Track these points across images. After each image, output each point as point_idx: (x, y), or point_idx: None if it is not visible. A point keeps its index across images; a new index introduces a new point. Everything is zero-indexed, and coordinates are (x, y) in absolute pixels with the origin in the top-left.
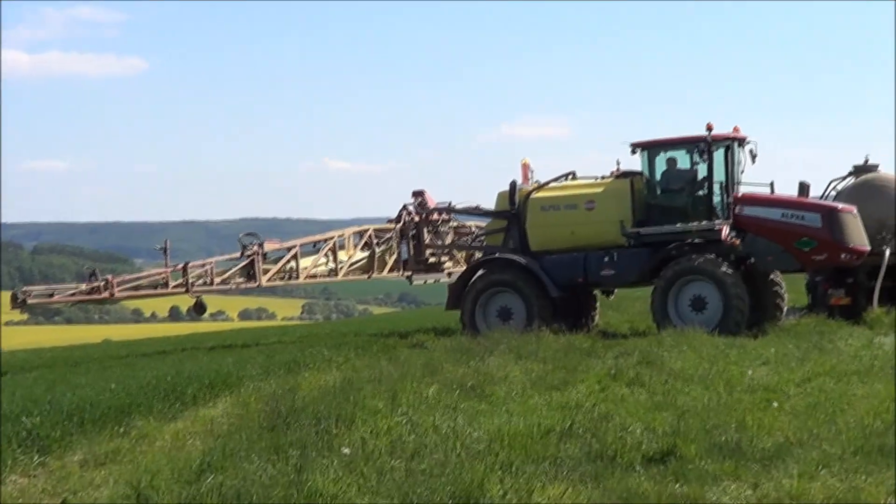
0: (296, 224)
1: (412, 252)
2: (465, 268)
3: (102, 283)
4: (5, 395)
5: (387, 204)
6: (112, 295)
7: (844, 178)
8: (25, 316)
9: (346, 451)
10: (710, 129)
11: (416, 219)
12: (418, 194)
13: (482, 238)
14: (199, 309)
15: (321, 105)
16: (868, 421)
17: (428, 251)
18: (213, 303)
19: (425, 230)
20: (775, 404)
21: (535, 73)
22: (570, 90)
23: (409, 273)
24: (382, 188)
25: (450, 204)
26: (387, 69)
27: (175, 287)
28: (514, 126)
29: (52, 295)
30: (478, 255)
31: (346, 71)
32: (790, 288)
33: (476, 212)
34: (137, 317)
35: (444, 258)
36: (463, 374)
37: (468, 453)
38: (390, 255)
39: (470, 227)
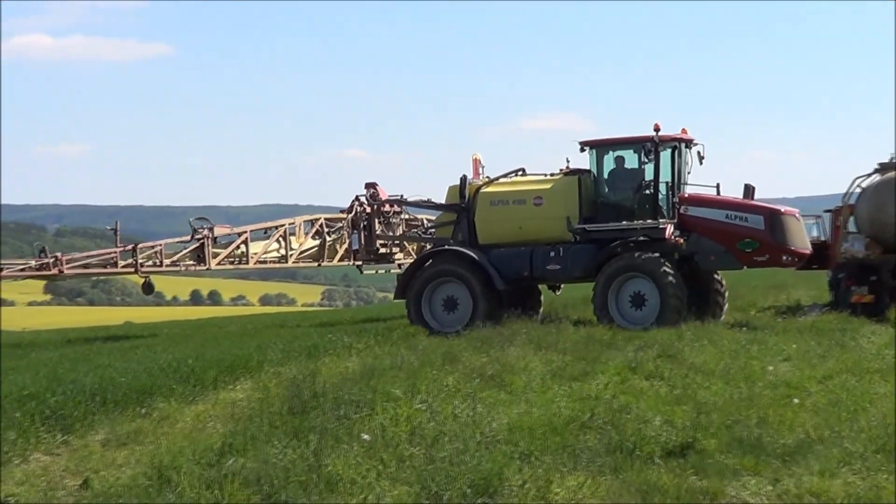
0: (316, 211)
1: (363, 242)
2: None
3: (52, 260)
4: (29, 374)
5: (398, 192)
6: (61, 272)
7: (869, 175)
8: (49, 296)
9: (366, 437)
10: (657, 129)
11: (368, 210)
12: (371, 186)
13: (432, 230)
14: (147, 289)
15: (341, 93)
16: (890, 419)
17: (379, 242)
18: (234, 287)
19: (377, 221)
20: (796, 400)
21: (554, 65)
22: (588, 84)
23: (360, 262)
24: (397, 177)
25: (401, 196)
26: (403, 60)
27: (124, 267)
28: (532, 119)
29: (0, 269)
30: (428, 246)
31: (367, 60)
32: (814, 284)
33: (427, 205)
34: (159, 299)
35: (395, 249)
36: (483, 363)
37: (487, 442)
38: (341, 245)
39: (421, 220)
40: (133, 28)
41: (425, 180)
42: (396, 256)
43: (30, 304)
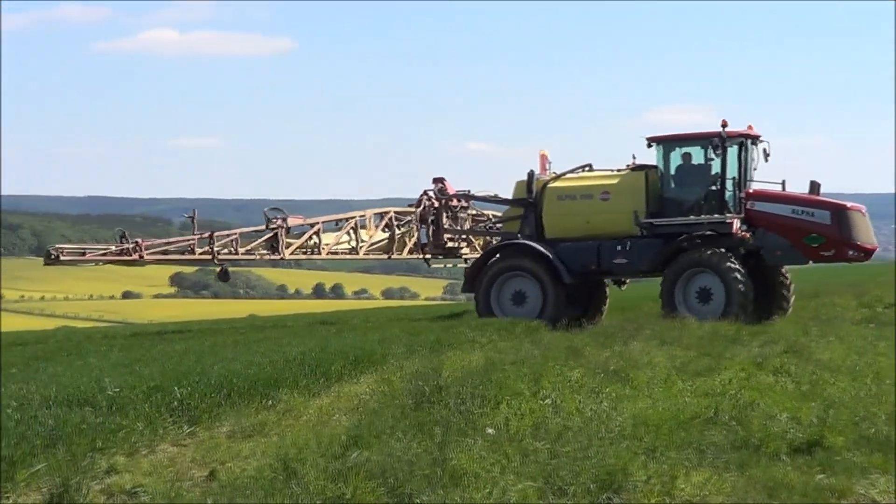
0: None
1: (431, 236)
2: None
3: (132, 246)
4: (156, 366)
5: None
6: (141, 257)
7: None
8: (175, 289)
9: (490, 431)
10: (724, 125)
11: (436, 204)
12: (438, 181)
13: (498, 225)
14: (223, 276)
15: (464, 87)
16: None
17: (446, 236)
18: (356, 281)
19: (444, 215)
20: None
21: (682, 59)
22: (719, 77)
23: (428, 256)
24: (519, 170)
25: (468, 191)
26: (528, 52)
27: (201, 254)
28: (660, 112)
29: (83, 253)
30: (494, 240)
31: (489, 53)
32: None
33: (494, 199)
34: (282, 293)
35: (461, 244)
36: (606, 358)
37: (612, 437)
38: (409, 238)
39: (487, 215)
40: (259, 23)
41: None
42: (463, 251)
43: (155, 296)
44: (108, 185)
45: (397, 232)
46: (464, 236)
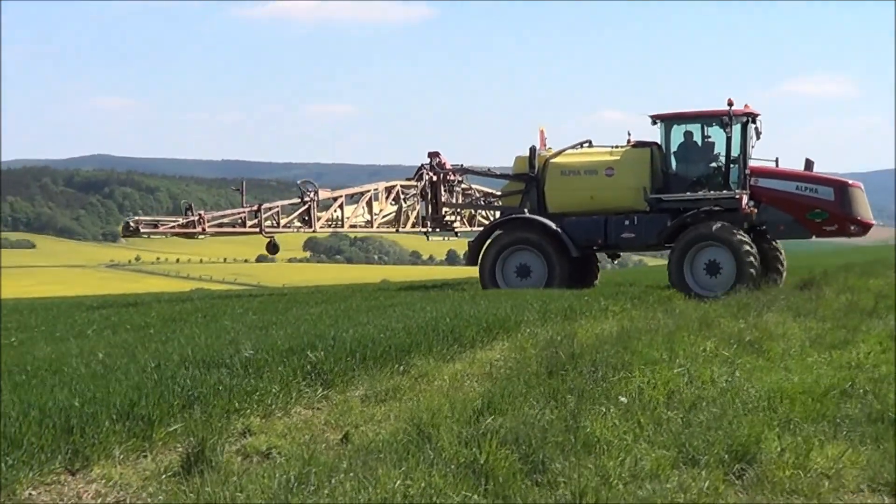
0: None
1: (429, 210)
2: (469, 228)
3: (196, 218)
4: (291, 329)
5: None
6: (204, 230)
7: None
8: (308, 253)
9: (623, 399)
10: (730, 104)
11: (434, 178)
12: (434, 155)
13: (493, 199)
14: (272, 249)
15: (598, 56)
16: None
17: (444, 209)
18: None
19: (442, 189)
20: None
21: (821, 28)
22: (859, 48)
23: (427, 230)
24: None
25: (461, 166)
26: (662, 19)
27: (251, 226)
28: (796, 84)
29: (156, 225)
30: (481, 215)
31: (626, 19)
32: None
33: (493, 174)
34: (415, 259)
35: (456, 218)
36: (740, 329)
37: (745, 408)
38: (412, 211)
39: (474, 190)
40: None
41: None
42: (455, 224)
43: (289, 260)
44: (245, 150)
45: (404, 205)
46: (461, 209)
